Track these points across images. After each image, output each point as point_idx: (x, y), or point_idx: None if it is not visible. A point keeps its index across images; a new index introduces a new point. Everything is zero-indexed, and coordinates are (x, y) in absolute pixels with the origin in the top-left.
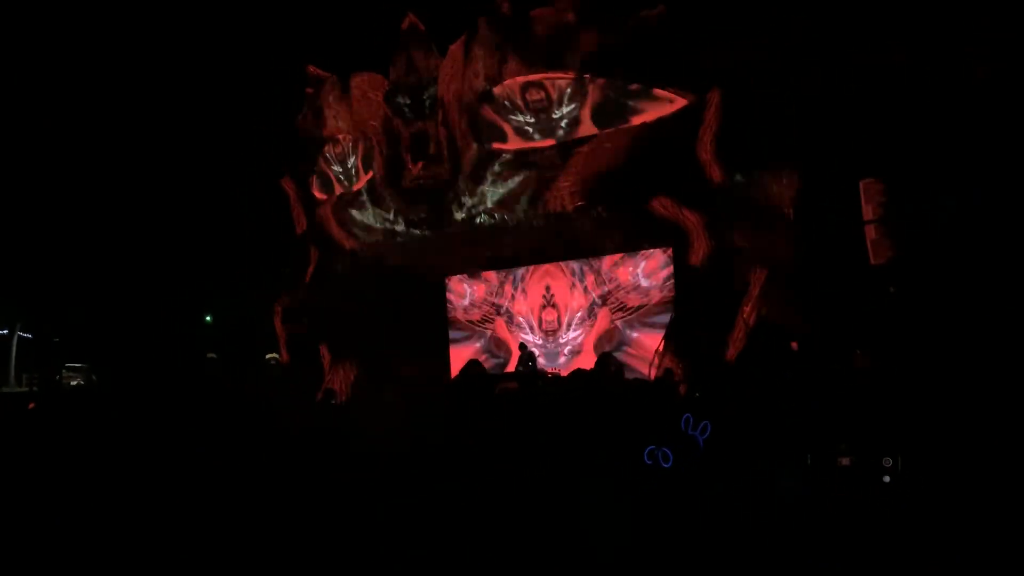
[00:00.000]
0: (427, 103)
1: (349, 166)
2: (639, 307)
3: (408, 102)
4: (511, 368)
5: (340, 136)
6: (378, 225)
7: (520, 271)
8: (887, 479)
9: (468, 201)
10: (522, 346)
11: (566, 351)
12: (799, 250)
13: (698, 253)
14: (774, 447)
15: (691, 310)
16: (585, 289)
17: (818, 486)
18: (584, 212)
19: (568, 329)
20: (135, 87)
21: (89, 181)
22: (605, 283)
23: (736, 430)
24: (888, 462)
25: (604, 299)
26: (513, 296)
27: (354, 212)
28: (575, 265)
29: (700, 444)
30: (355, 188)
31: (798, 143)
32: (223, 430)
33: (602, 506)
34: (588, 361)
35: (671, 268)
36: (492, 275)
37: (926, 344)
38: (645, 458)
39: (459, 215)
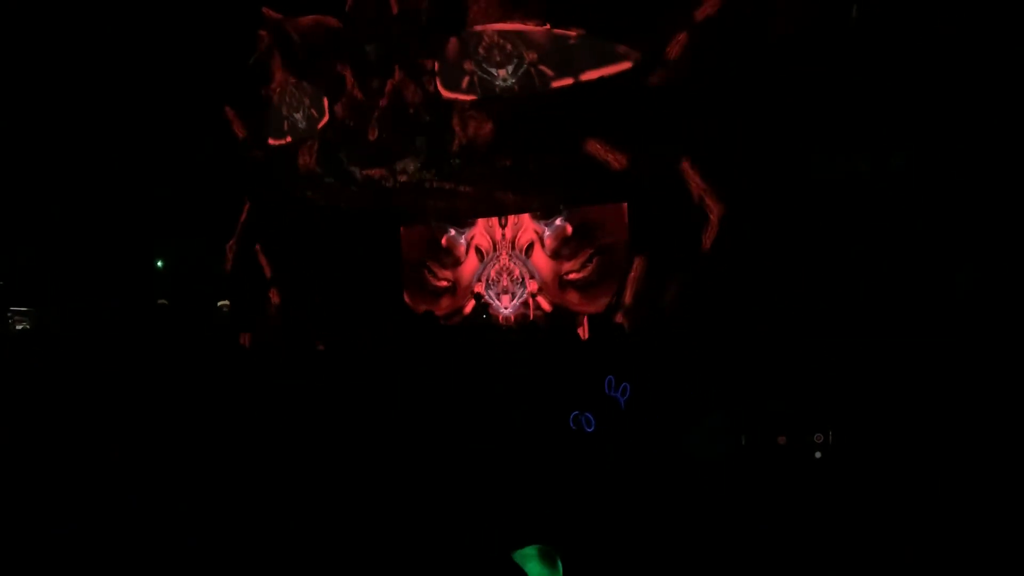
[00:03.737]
0: (383, 50)
1: (301, 112)
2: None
3: (363, 50)
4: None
5: (293, 81)
6: (331, 171)
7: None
8: (819, 455)
9: (418, 152)
10: (477, 296)
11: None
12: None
13: (652, 210)
14: (689, 409)
15: (644, 267)
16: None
17: (738, 455)
18: (538, 166)
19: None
20: (85, 22)
21: (35, 123)
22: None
23: (657, 392)
24: (820, 438)
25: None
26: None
27: (306, 158)
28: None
29: (621, 406)
30: (307, 134)
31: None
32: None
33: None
34: None
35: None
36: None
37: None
38: (570, 423)
39: (410, 166)
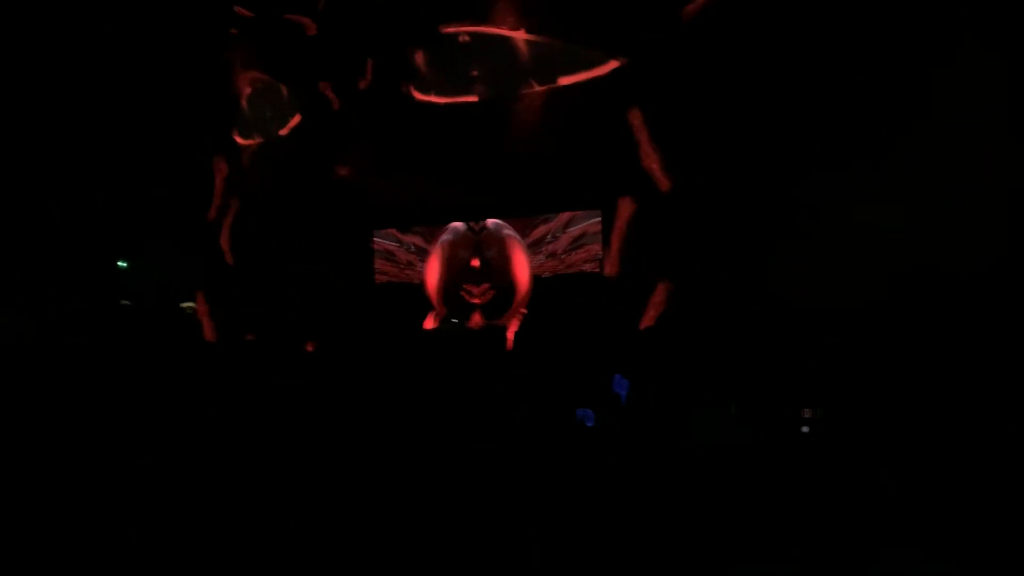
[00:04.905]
0: (357, 50)
1: (273, 112)
2: None
3: (337, 49)
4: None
5: (264, 79)
6: (302, 172)
7: None
8: (806, 429)
9: (393, 153)
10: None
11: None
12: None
13: (624, 216)
14: (691, 397)
15: (619, 272)
16: None
17: (739, 436)
18: (518, 170)
19: None
20: (55, 23)
21: None
22: None
23: (657, 385)
24: (807, 413)
25: None
26: None
27: (278, 158)
28: None
29: (623, 401)
30: (280, 133)
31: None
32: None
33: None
34: None
35: None
36: None
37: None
38: (577, 419)
39: (385, 167)
